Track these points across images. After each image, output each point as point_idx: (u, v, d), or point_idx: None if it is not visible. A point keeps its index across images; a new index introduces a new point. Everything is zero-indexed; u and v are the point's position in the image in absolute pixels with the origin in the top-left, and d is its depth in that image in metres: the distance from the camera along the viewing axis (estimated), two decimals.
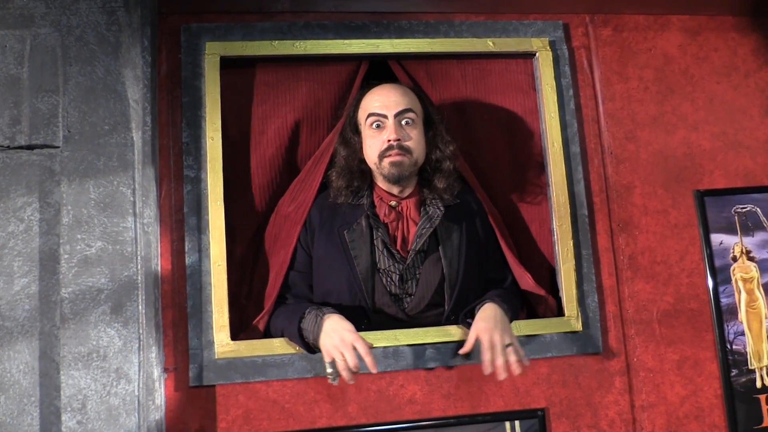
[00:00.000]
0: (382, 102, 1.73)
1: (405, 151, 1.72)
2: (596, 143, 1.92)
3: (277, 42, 1.81)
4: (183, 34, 1.79)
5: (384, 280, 1.73)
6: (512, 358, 1.57)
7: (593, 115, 1.93)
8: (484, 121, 1.95)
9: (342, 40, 1.84)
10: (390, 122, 1.72)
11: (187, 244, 1.70)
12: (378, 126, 1.73)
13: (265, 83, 1.86)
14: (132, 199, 1.64)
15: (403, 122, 1.73)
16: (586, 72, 1.95)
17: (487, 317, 1.62)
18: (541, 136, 1.90)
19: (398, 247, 1.75)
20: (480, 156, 1.96)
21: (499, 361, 1.56)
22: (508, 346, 1.58)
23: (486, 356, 1.57)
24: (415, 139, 1.74)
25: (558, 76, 1.91)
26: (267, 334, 1.69)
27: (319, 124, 1.88)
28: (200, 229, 1.71)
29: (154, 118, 1.72)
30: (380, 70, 1.91)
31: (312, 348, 1.62)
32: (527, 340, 1.75)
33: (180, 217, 1.72)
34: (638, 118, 1.95)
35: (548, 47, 1.91)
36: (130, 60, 1.69)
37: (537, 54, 1.91)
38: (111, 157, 1.65)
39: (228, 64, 1.81)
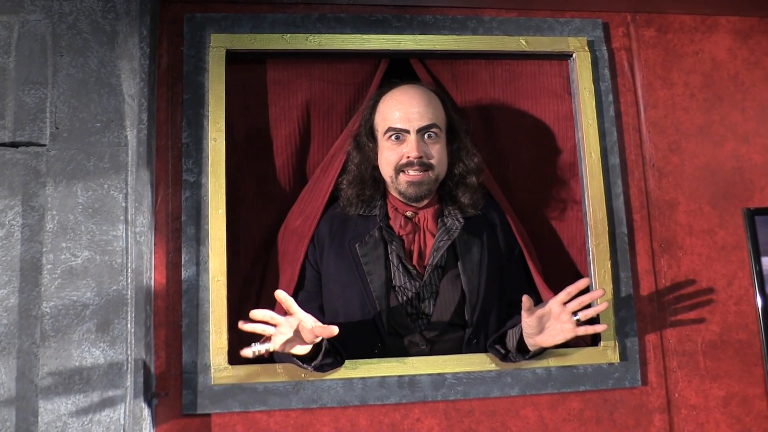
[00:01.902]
0: (403, 113, 1.58)
1: (426, 167, 1.58)
2: (637, 154, 1.76)
3: (289, 36, 1.66)
4: (186, 25, 1.65)
5: (399, 298, 1.58)
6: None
7: (634, 123, 1.78)
8: (513, 128, 1.82)
9: (360, 35, 1.69)
10: (412, 137, 1.58)
11: (183, 256, 1.56)
12: (397, 138, 1.59)
13: (276, 81, 1.72)
14: (124, 204, 1.49)
15: (426, 136, 1.59)
16: (627, 76, 1.80)
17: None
18: (577, 146, 1.76)
19: (414, 262, 1.60)
20: (506, 165, 1.83)
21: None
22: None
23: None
24: (437, 155, 1.60)
25: (596, 80, 1.76)
26: (271, 359, 1.52)
27: (332, 131, 1.75)
28: (199, 239, 1.56)
29: (151, 116, 1.56)
30: (401, 70, 1.77)
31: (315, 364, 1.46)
32: (557, 371, 1.60)
33: (177, 226, 1.58)
34: (683, 128, 1.80)
35: (586, 47, 1.76)
36: (127, 51, 1.55)
37: (574, 55, 1.76)
38: (102, 158, 1.51)
39: (235, 59, 1.67)
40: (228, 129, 1.62)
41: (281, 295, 1.34)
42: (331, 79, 1.73)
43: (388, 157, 1.60)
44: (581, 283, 1.44)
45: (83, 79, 1.54)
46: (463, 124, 1.68)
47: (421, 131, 1.57)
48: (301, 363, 1.44)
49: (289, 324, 1.34)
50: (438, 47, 1.72)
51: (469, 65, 1.80)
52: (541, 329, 1.46)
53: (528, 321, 1.45)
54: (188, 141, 1.60)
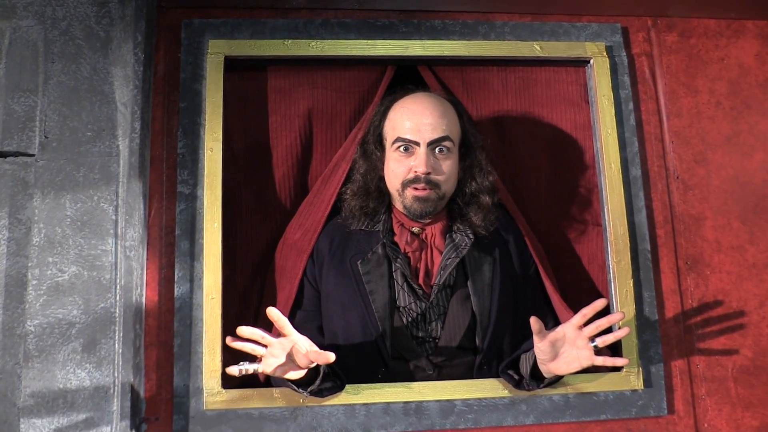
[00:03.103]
0: (415, 123, 1.48)
1: (433, 185, 1.47)
2: (660, 166, 1.66)
3: (290, 41, 1.59)
4: (184, 31, 1.58)
5: (404, 320, 1.48)
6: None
7: (657, 132, 1.68)
8: (527, 138, 1.72)
9: (365, 41, 1.61)
10: (421, 150, 1.47)
11: (177, 272, 1.48)
12: (406, 149, 1.49)
13: (276, 89, 1.64)
14: (114, 217, 1.42)
15: (437, 151, 1.49)
16: (649, 83, 1.70)
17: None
18: (595, 157, 1.67)
19: (421, 281, 1.50)
20: (520, 178, 1.73)
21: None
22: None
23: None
24: (446, 172, 1.49)
25: (616, 87, 1.67)
26: (268, 382, 1.43)
27: (335, 141, 1.66)
28: (193, 254, 1.48)
29: (145, 125, 1.49)
30: (409, 78, 1.67)
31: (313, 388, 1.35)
32: (576, 399, 1.49)
33: (170, 241, 1.50)
34: (709, 138, 1.70)
35: (605, 53, 1.67)
36: (121, 57, 1.49)
37: (591, 61, 1.67)
38: (92, 168, 1.45)
39: (234, 66, 1.60)
40: (225, 139, 1.54)
41: (274, 313, 1.25)
42: (335, 87, 1.65)
43: (396, 169, 1.50)
44: (598, 304, 1.32)
45: (75, 87, 1.48)
46: (479, 139, 1.58)
47: (432, 144, 1.47)
48: (296, 387, 1.34)
49: (281, 346, 1.25)
50: (447, 53, 1.63)
51: (481, 72, 1.71)
52: (555, 355, 1.34)
53: (540, 346, 1.34)
54: (184, 151, 1.53)
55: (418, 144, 1.47)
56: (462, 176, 1.54)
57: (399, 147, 1.49)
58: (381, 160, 1.54)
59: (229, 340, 1.25)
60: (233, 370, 1.26)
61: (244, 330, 1.24)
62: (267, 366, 1.25)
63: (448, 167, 1.49)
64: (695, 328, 1.59)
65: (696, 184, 1.67)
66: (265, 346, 1.25)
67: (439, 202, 1.50)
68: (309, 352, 1.23)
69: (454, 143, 1.50)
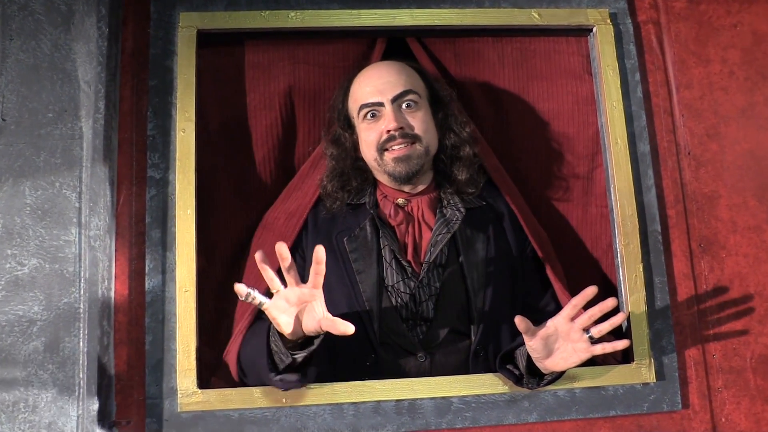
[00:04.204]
0: (374, 86, 1.41)
1: (411, 139, 1.39)
2: (670, 141, 1.55)
3: (268, 12, 1.48)
4: (153, 3, 1.47)
5: (393, 300, 1.37)
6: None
7: (665, 105, 1.57)
8: (526, 114, 1.62)
9: (349, 11, 1.49)
10: (387, 109, 1.40)
11: (147, 263, 1.37)
12: (373, 115, 1.42)
13: (254, 65, 1.54)
14: (77, 205, 1.32)
15: (404, 106, 1.41)
16: (656, 52, 1.59)
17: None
18: (600, 132, 1.56)
19: (410, 257, 1.39)
20: (519, 157, 1.63)
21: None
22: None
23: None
24: (421, 123, 1.41)
25: (621, 57, 1.55)
26: (242, 380, 1.31)
27: (320, 119, 1.56)
28: (165, 244, 1.37)
29: (110, 104, 1.39)
30: (398, 51, 1.56)
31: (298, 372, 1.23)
32: (582, 394, 1.38)
33: (141, 230, 1.39)
34: (722, 111, 1.59)
35: (608, 20, 1.56)
36: (84, 32, 1.39)
37: (594, 29, 1.56)
38: (54, 153, 1.34)
39: (208, 41, 1.49)
40: (199, 119, 1.43)
41: (283, 249, 1.11)
42: (318, 62, 1.55)
43: (367, 138, 1.42)
44: (588, 293, 1.22)
45: (34, 65, 1.38)
46: (448, 92, 1.50)
47: (396, 100, 1.40)
48: (279, 349, 1.21)
49: (297, 295, 1.13)
50: (438, 22, 1.51)
51: (475, 43, 1.60)
52: (549, 351, 1.25)
53: (531, 344, 1.24)
54: (154, 133, 1.42)
55: (382, 104, 1.40)
56: (439, 131, 1.46)
57: (366, 115, 1.42)
58: (351, 141, 1.46)
59: (259, 257, 1.12)
60: (242, 288, 1.12)
61: (283, 249, 1.10)
62: (274, 308, 1.14)
63: (420, 119, 1.41)
64: (710, 315, 1.49)
65: (709, 160, 1.56)
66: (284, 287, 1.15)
67: (425, 159, 1.42)
68: (322, 319, 1.12)
69: (420, 96, 1.43)
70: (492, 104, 1.61)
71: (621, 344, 1.23)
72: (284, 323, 1.14)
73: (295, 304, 1.15)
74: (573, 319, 1.23)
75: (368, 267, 1.38)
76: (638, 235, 1.47)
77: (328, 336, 1.16)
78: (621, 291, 1.45)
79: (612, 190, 1.50)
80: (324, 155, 1.48)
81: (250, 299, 1.13)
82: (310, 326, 1.14)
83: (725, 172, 1.56)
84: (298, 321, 1.15)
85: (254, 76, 1.53)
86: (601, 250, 1.59)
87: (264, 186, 1.52)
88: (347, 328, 1.10)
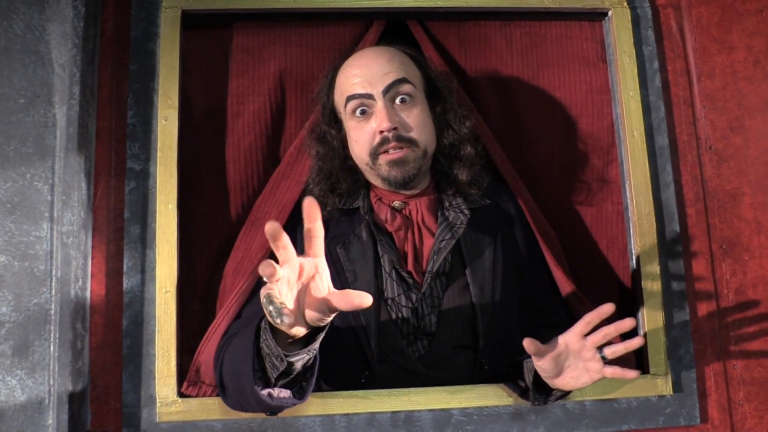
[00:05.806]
0: (363, 76, 1.27)
1: (407, 142, 1.26)
2: (690, 134, 1.46)
3: None
4: None
5: (393, 315, 1.27)
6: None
7: (686, 96, 1.48)
8: (536, 104, 1.52)
9: None
10: (379, 105, 1.26)
11: (126, 261, 1.29)
12: (363, 112, 1.28)
13: (243, 49, 1.44)
14: (49, 198, 1.24)
15: (398, 100, 1.27)
16: (676, 39, 1.49)
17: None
18: (615, 124, 1.47)
19: (410, 267, 1.29)
20: (529, 150, 1.53)
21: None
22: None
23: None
24: (418, 122, 1.27)
25: (638, 43, 1.46)
26: (222, 394, 1.18)
27: (313, 105, 1.44)
28: (145, 241, 1.29)
29: (87, 90, 1.29)
30: (398, 36, 1.47)
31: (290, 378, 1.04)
32: (594, 406, 1.30)
33: (119, 225, 1.30)
34: (746, 102, 1.50)
35: (625, 4, 1.47)
36: (59, 12, 1.30)
37: (610, 13, 1.46)
38: (25, 141, 1.26)
39: (193, 23, 1.40)
40: (183, 106, 1.35)
41: (274, 227, 0.87)
42: (311, 45, 1.44)
43: (358, 138, 1.28)
44: (604, 310, 1.11)
45: (5, 47, 1.30)
46: (447, 81, 1.38)
47: (388, 92, 1.26)
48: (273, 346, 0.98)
49: (297, 270, 0.91)
50: (441, 4, 1.42)
51: (481, 27, 1.50)
52: (560, 370, 1.15)
53: (540, 365, 1.14)
54: (134, 121, 1.33)
55: (372, 97, 1.26)
56: (437, 128, 1.34)
57: (355, 110, 1.28)
58: (339, 138, 1.34)
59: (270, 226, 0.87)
60: (268, 266, 0.85)
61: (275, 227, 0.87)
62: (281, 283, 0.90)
63: (416, 116, 1.27)
64: (732, 324, 1.40)
65: (731, 155, 1.46)
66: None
67: (423, 162, 1.29)
68: (330, 294, 0.93)
69: (415, 87, 1.29)
70: (499, 93, 1.51)
71: (632, 373, 1.13)
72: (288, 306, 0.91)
73: (295, 284, 0.92)
74: (585, 335, 1.13)
75: (365, 278, 1.27)
76: (655, 236, 1.38)
77: (320, 350, 1.02)
78: (636, 295, 1.36)
79: (627, 186, 1.41)
80: (308, 153, 1.37)
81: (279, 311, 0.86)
82: (314, 313, 0.93)
83: (749, 168, 1.47)
84: (298, 308, 0.93)
85: (242, 61, 1.43)
86: (617, 251, 1.49)
87: (251, 178, 1.41)
88: (363, 299, 0.91)
